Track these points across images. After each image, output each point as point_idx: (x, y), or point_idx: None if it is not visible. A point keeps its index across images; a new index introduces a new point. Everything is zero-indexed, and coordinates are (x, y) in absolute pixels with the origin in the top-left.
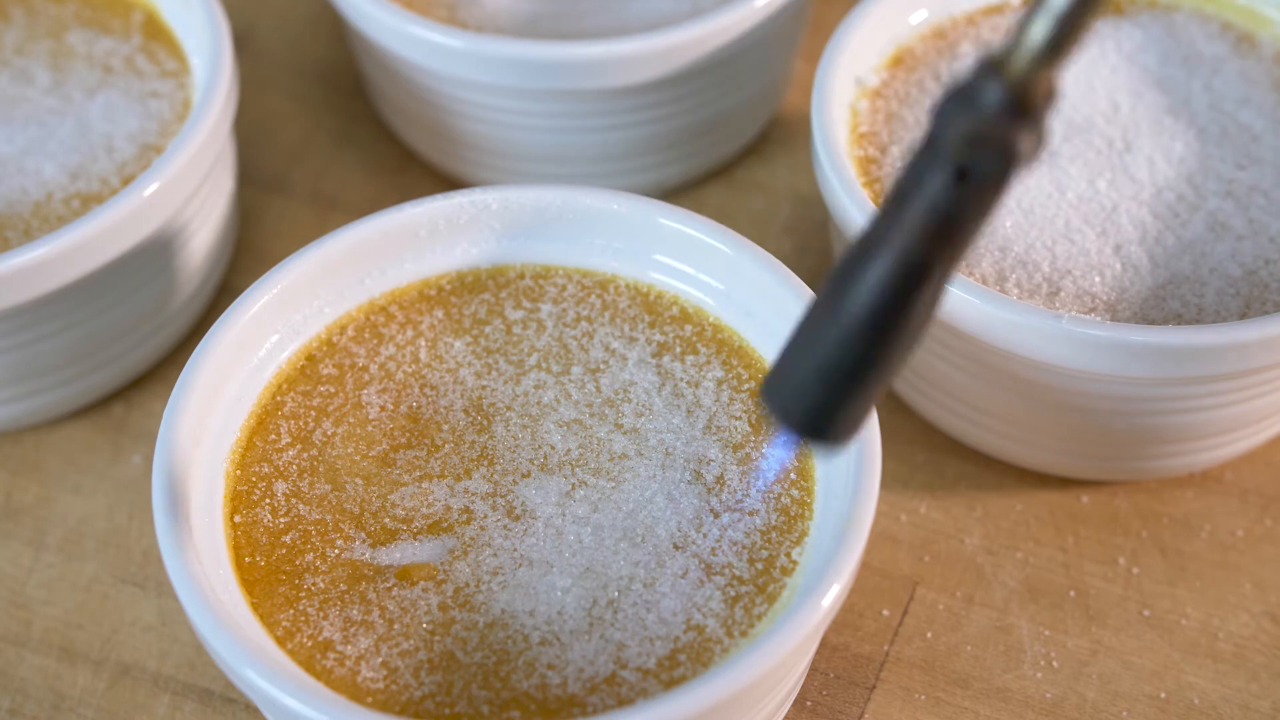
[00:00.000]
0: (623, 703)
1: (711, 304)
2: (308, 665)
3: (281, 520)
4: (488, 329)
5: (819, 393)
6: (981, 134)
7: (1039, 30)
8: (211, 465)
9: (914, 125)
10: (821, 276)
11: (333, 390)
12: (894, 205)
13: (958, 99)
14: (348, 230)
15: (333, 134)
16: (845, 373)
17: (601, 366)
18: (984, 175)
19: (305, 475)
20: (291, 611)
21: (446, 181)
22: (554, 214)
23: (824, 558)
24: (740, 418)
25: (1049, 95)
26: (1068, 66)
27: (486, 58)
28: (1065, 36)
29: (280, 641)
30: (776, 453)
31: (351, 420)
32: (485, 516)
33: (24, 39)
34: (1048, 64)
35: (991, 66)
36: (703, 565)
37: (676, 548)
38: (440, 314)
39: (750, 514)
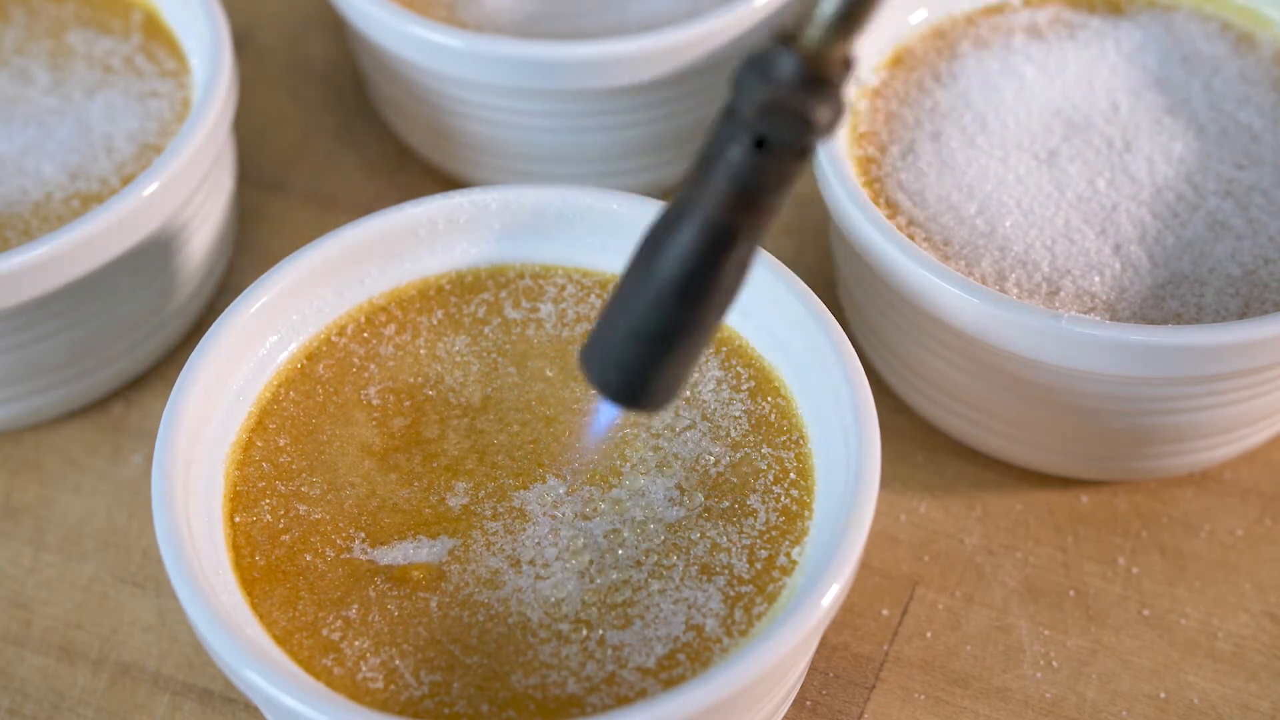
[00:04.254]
0: (622, 702)
1: None
2: (307, 665)
3: (281, 520)
4: (487, 329)
5: (632, 358)
6: (776, 104)
7: (830, 2)
8: (211, 465)
9: (914, 125)
10: (820, 278)
11: (332, 390)
12: (699, 173)
13: (753, 69)
14: (347, 230)
15: (332, 134)
16: (657, 337)
17: None
18: (782, 144)
19: (305, 475)
20: (291, 611)
21: (446, 181)
22: (554, 214)
23: (823, 557)
24: (740, 417)
25: (844, 66)
26: (863, 36)
27: (486, 57)
28: (856, 7)
29: (280, 641)
30: (600, 415)
31: (351, 420)
32: (484, 516)
33: (24, 39)
34: (840, 35)
35: (785, 38)
36: (702, 565)
37: (676, 547)
38: (440, 314)
39: (750, 514)
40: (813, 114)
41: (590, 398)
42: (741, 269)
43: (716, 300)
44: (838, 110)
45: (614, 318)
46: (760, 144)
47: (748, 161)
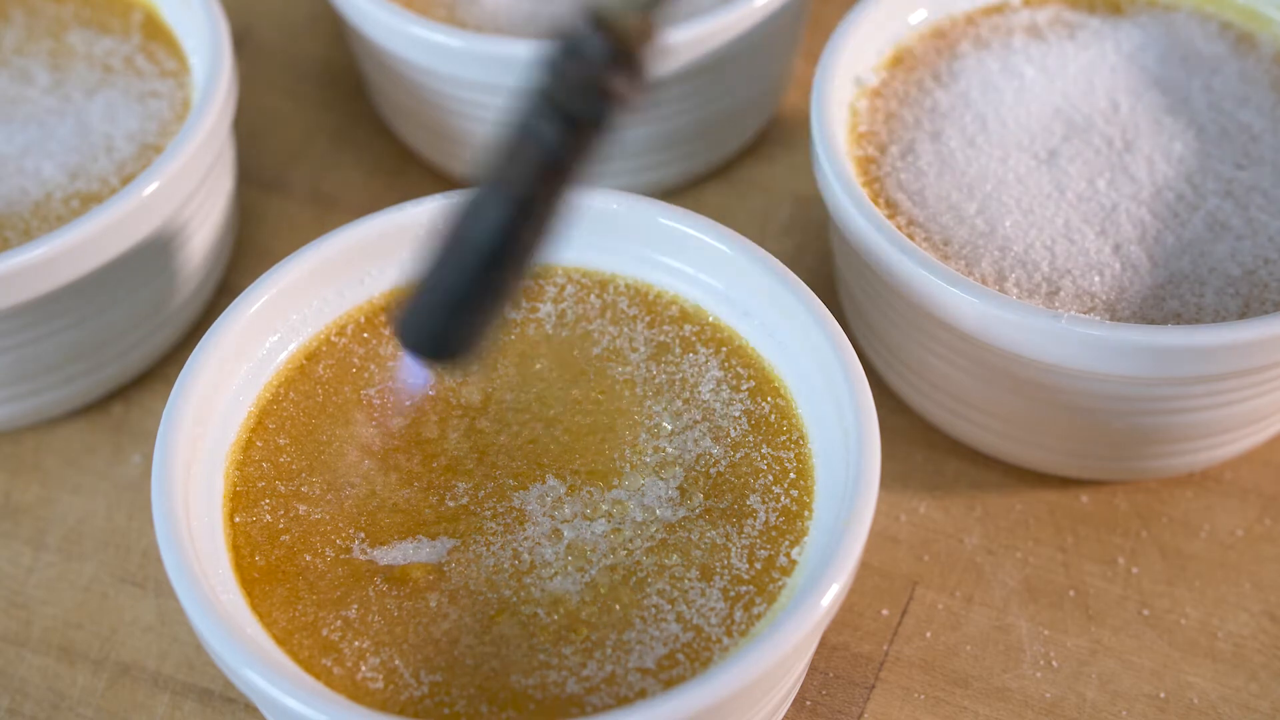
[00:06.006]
0: (622, 702)
1: (710, 303)
2: (307, 665)
3: (281, 520)
4: None
5: (441, 319)
6: (586, 83)
7: None
8: (211, 465)
9: (914, 125)
10: (820, 278)
11: (332, 390)
12: (509, 147)
13: (564, 51)
14: (347, 230)
15: (332, 134)
16: (465, 301)
17: (600, 366)
18: (589, 120)
19: (305, 475)
20: (291, 611)
21: (446, 181)
22: None
23: (823, 557)
24: (739, 417)
25: (649, 42)
26: (667, 13)
27: (486, 57)
28: None
29: (280, 641)
30: (411, 374)
31: (351, 420)
32: (484, 516)
33: (24, 39)
34: (645, 12)
35: (594, 19)
36: (702, 565)
37: (676, 547)
38: None
39: (750, 514)
40: (621, 91)
41: (583, 397)
42: (544, 235)
43: (521, 265)
44: (643, 84)
45: (427, 284)
46: (568, 120)
47: (558, 138)
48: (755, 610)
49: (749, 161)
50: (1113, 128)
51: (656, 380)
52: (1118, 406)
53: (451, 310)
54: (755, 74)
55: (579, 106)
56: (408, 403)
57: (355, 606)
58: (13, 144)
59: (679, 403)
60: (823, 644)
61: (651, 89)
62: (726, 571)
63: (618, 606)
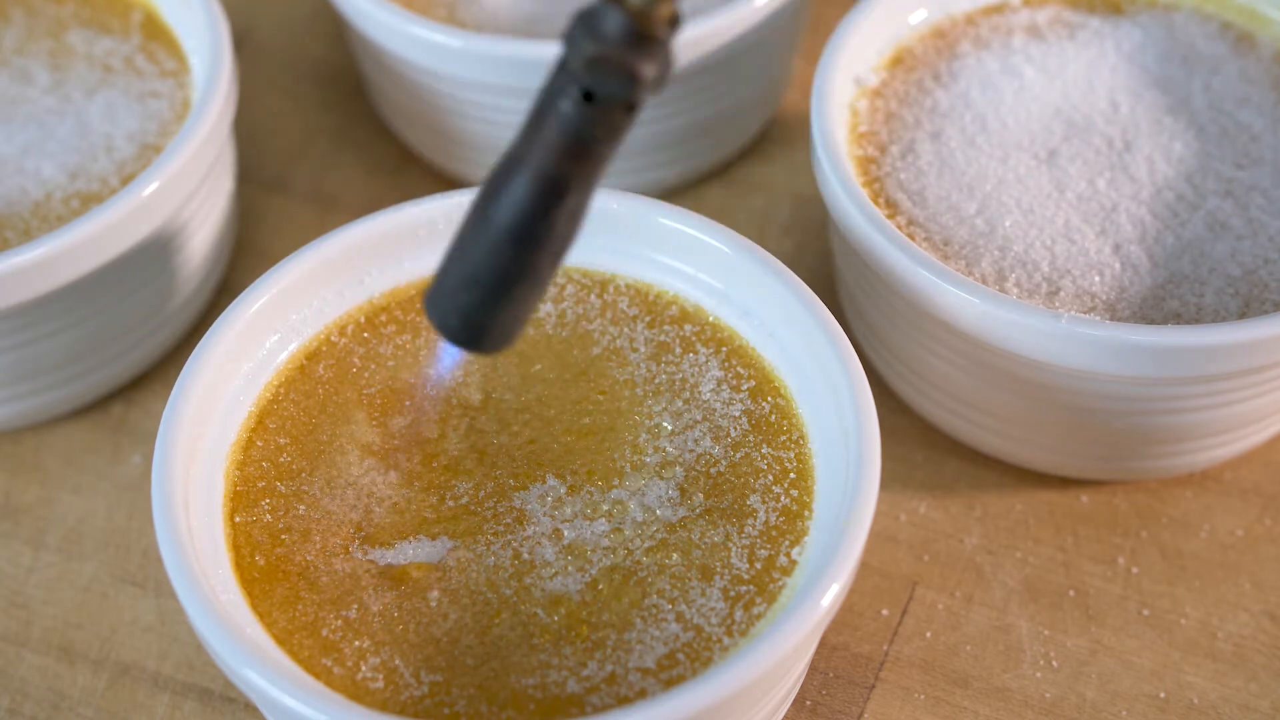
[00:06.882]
0: (622, 702)
1: (710, 303)
2: (307, 665)
3: (281, 520)
4: None
5: (471, 301)
6: (602, 59)
7: None
8: (211, 465)
9: (914, 125)
10: (820, 278)
11: (332, 390)
12: (533, 124)
13: (582, 25)
14: (347, 230)
15: (332, 134)
16: (493, 283)
17: (600, 366)
18: (609, 97)
19: (305, 475)
20: (291, 611)
21: (446, 181)
22: None
23: (823, 557)
24: (739, 417)
25: (670, 23)
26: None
27: (486, 57)
28: None
29: (279, 641)
30: (445, 357)
31: (351, 420)
32: (484, 516)
33: (24, 39)
34: None
35: None
36: (702, 565)
37: (676, 547)
38: None
39: (750, 514)
40: (638, 69)
41: (583, 397)
42: (573, 218)
43: (549, 248)
44: (663, 66)
45: (454, 263)
46: (589, 97)
47: (577, 114)
48: (755, 610)
49: (749, 161)
50: (1113, 128)
51: (656, 380)
52: (1118, 406)
53: (480, 293)
54: (755, 74)
55: (597, 82)
56: (436, 388)
57: (355, 606)
58: (13, 144)
59: (679, 403)
60: (823, 644)
61: (671, 73)
62: (727, 571)
63: (618, 606)
